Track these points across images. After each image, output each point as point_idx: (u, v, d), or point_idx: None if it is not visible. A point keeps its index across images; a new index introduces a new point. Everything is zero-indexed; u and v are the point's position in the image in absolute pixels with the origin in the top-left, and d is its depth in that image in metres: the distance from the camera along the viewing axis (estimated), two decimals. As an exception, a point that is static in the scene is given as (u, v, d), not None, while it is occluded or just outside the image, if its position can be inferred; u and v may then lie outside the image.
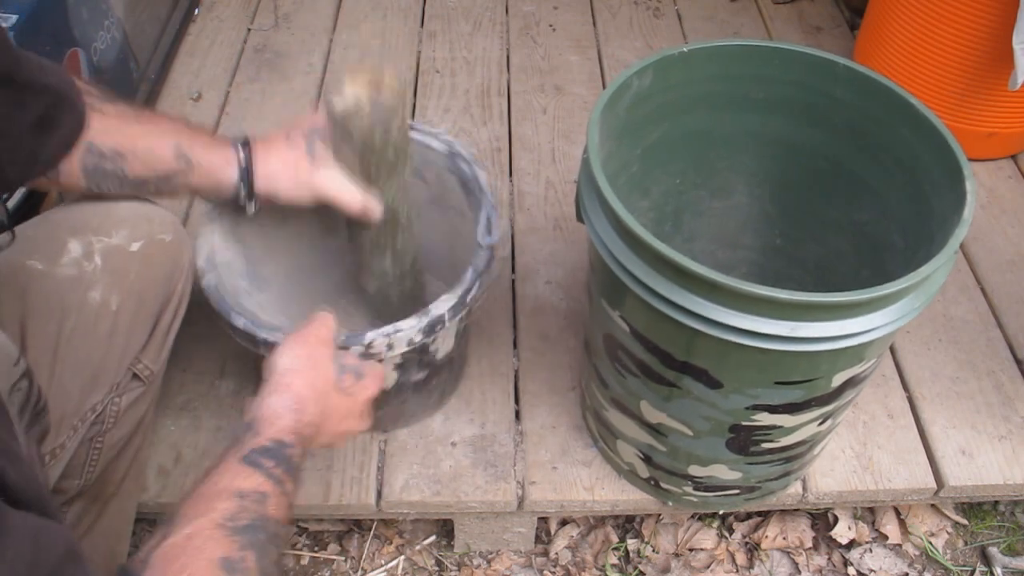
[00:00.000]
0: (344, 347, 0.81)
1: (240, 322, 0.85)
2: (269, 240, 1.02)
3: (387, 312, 1.04)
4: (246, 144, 0.84)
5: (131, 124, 0.79)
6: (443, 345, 0.95)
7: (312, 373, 0.72)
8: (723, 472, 0.93)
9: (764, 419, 0.82)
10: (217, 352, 1.15)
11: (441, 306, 0.86)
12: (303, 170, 0.84)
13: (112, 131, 0.77)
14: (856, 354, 0.76)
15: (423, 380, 0.98)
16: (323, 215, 0.98)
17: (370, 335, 0.83)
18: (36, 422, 0.72)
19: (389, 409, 1.01)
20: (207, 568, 0.52)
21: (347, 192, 0.86)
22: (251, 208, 0.86)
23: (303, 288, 1.09)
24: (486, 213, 0.92)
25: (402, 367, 0.93)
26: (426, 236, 1.03)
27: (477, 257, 0.90)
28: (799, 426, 0.85)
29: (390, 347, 0.84)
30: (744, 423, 0.83)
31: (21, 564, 0.42)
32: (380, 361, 0.85)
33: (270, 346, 0.81)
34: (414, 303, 0.98)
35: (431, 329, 0.86)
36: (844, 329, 0.69)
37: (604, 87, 1.61)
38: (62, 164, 0.75)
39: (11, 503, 0.43)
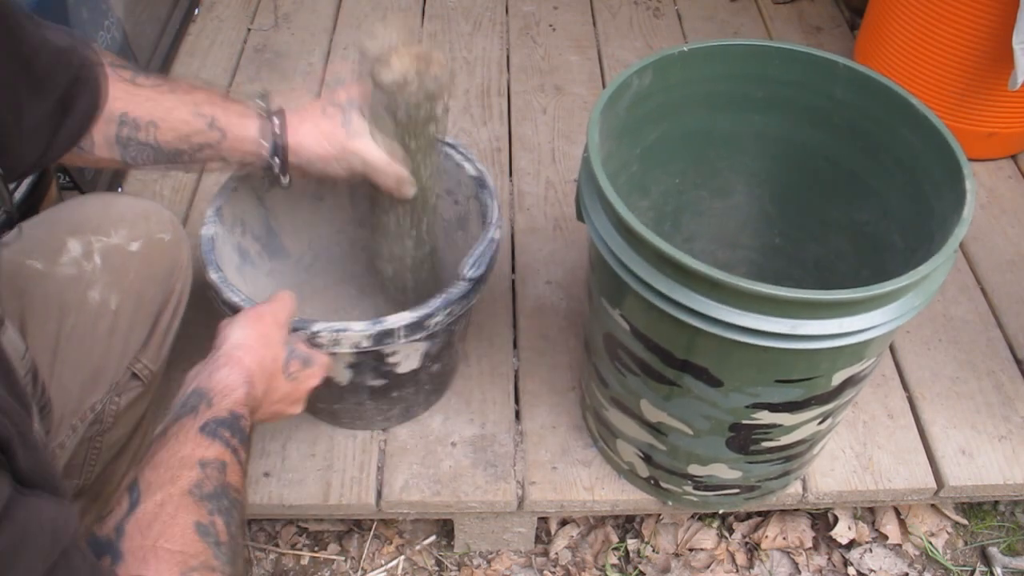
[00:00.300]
0: (293, 330, 0.81)
1: (213, 276, 0.86)
2: (297, 213, 1.02)
3: (399, 300, 1.04)
4: (280, 114, 0.82)
5: (165, 95, 0.78)
6: (405, 360, 0.94)
7: (262, 352, 0.72)
8: (723, 471, 0.93)
9: (764, 418, 0.83)
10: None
11: (396, 320, 0.85)
12: (338, 141, 0.83)
13: (146, 102, 0.77)
14: (856, 352, 0.76)
15: (381, 388, 0.97)
16: (357, 202, 0.98)
17: (319, 326, 0.83)
18: (41, 418, 0.72)
19: (345, 406, 1.02)
20: (183, 533, 0.54)
21: (384, 163, 0.84)
22: (284, 180, 0.85)
23: (321, 267, 1.10)
24: (482, 248, 0.91)
25: (356, 368, 0.92)
26: (451, 254, 1.03)
27: (453, 286, 0.88)
28: (799, 425, 0.85)
29: (336, 343, 0.84)
30: (744, 422, 0.83)
31: (34, 547, 0.42)
32: (332, 355, 0.85)
33: (231, 308, 0.82)
34: (427, 295, 0.99)
35: (380, 338, 0.85)
36: (844, 327, 0.69)
37: (604, 87, 1.61)
38: (96, 135, 0.75)
39: (29, 487, 0.44)
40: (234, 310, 0.86)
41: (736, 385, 0.79)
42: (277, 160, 0.82)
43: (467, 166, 1.00)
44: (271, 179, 0.85)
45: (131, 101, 0.76)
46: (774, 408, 0.81)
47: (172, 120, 0.78)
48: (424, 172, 0.88)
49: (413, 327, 0.86)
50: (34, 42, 0.67)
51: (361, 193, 1.03)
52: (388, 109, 0.81)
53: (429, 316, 0.86)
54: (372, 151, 0.84)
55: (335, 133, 0.83)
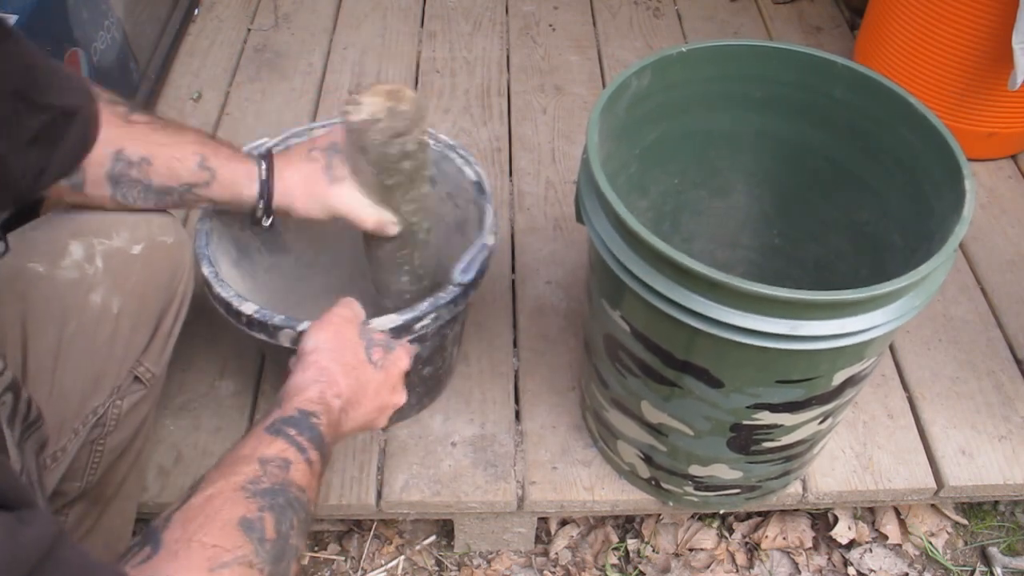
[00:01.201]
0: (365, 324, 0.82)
1: (206, 271, 0.88)
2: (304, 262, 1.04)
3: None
4: (267, 157, 0.84)
5: (158, 133, 0.79)
6: None
7: (339, 349, 0.73)
8: (724, 471, 0.93)
9: (765, 418, 0.83)
10: (217, 352, 1.15)
11: (381, 323, 0.85)
12: (319, 185, 0.84)
13: (139, 139, 0.78)
14: (856, 353, 0.76)
15: None
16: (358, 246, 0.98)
17: (302, 325, 0.83)
18: (30, 433, 0.72)
19: None
20: (224, 527, 0.54)
21: (360, 208, 0.85)
22: (266, 221, 0.86)
23: (322, 267, 1.11)
24: (473, 253, 0.91)
25: None
26: (452, 257, 1.03)
27: (443, 290, 0.88)
28: (800, 425, 0.85)
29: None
30: (745, 422, 0.83)
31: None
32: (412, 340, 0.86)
33: (222, 304, 0.85)
34: None
35: None
36: (844, 327, 0.69)
37: (604, 87, 1.61)
38: (88, 172, 0.76)
39: None
40: (224, 305, 0.87)
41: (737, 386, 0.79)
42: (263, 203, 0.84)
43: (467, 170, 1.00)
44: (253, 220, 0.86)
45: (125, 137, 0.77)
46: (775, 408, 0.81)
47: (164, 157, 0.79)
48: (406, 208, 0.88)
49: (399, 330, 0.86)
50: (35, 72, 0.67)
51: None
52: (360, 149, 0.82)
53: (416, 320, 0.86)
54: (349, 195, 0.85)
55: (317, 179, 0.84)
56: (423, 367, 0.98)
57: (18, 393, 0.70)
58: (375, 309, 1.11)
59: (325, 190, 0.84)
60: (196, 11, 1.74)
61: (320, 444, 0.65)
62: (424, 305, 0.87)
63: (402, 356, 0.80)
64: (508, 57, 1.68)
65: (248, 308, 0.86)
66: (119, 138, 0.76)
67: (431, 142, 1.01)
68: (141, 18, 1.51)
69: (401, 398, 0.80)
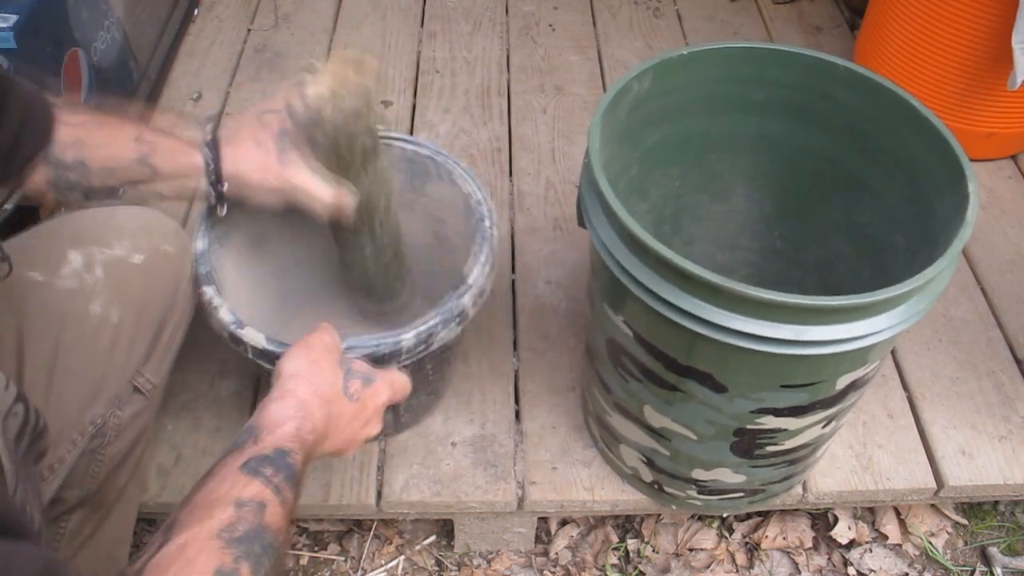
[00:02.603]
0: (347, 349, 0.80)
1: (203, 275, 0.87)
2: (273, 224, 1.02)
3: (372, 308, 1.04)
4: (213, 145, 0.81)
5: (92, 133, 0.78)
6: None
7: (317, 379, 0.71)
8: (727, 476, 0.93)
9: (769, 422, 0.82)
10: (217, 352, 1.15)
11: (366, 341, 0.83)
12: (270, 171, 0.82)
13: (73, 142, 0.76)
14: (860, 357, 0.76)
15: None
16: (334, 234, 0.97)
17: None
18: (36, 444, 0.71)
19: None
20: None
21: (317, 186, 0.83)
22: (222, 211, 0.84)
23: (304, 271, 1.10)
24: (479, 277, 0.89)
25: None
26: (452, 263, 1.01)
27: (431, 316, 0.86)
28: (804, 428, 0.85)
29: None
30: (749, 426, 0.83)
31: None
32: (403, 367, 0.84)
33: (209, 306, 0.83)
34: (398, 283, 0.98)
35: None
36: (850, 332, 0.69)
37: (604, 87, 1.61)
38: (26, 173, 0.75)
39: None
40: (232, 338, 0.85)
41: (741, 391, 0.78)
42: (213, 193, 0.82)
43: (477, 203, 0.97)
44: (208, 209, 0.85)
45: (60, 140, 0.76)
46: (779, 413, 0.81)
47: (100, 159, 0.78)
48: (364, 179, 0.86)
49: (385, 357, 0.84)
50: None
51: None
52: (316, 123, 0.79)
53: (412, 344, 0.85)
54: (304, 175, 0.82)
55: (268, 163, 0.82)
56: (430, 374, 0.97)
57: (27, 403, 0.70)
58: (352, 306, 1.11)
59: (276, 175, 0.82)
60: (196, 11, 1.74)
61: (294, 482, 0.63)
62: (410, 334, 0.84)
63: (381, 390, 0.77)
64: (508, 57, 1.68)
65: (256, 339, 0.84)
66: (56, 142, 0.75)
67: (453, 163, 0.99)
68: (141, 18, 1.51)
69: (373, 430, 0.77)
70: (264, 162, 0.82)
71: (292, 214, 0.89)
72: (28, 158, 0.74)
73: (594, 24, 1.77)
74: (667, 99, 0.89)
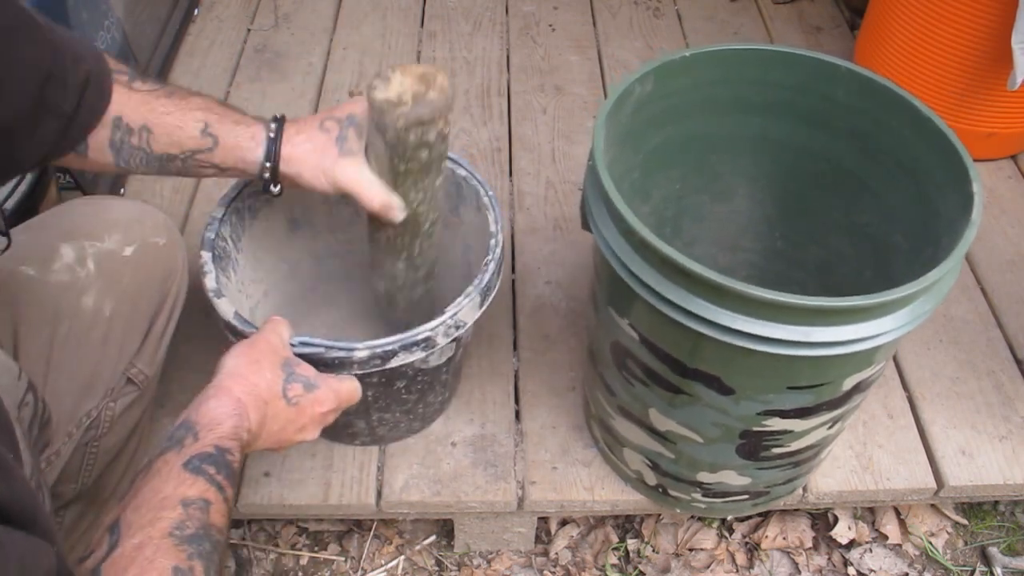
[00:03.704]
0: (299, 354, 0.79)
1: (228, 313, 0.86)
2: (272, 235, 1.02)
3: (391, 316, 1.03)
4: (279, 122, 0.81)
5: (160, 100, 0.77)
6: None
7: (254, 379, 0.71)
8: (732, 478, 0.93)
9: (775, 424, 0.82)
10: (217, 352, 1.14)
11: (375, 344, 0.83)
12: (328, 157, 0.80)
13: (140, 106, 0.76)
14: (867, 358, 0.76)
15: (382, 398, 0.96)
16: (336, 227, 0.96)
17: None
18: (42, 434, 0.72)
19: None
20: None
21: (368, 186, 0.81)
22: (275, 189, 0.83)
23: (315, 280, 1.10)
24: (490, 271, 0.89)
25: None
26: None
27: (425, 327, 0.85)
28: (810, 430, 0.85)
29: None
30: (755, 429, 0.83)
31: None
32: (359, 376, 0.83)
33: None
34: (420, 315, 0.94)
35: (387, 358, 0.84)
36: (857, 333, 0.69)
37: (604, 87, 1.61)
38: (90, 139, 0.74)
39: (2, 520, 0.43)
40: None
41: (748, 393, 0.78)
42: (268, 168, 0.81)
43: (491, 221, 0.96)
44: (263, 187, 0.84)
45: (126, 105, 0.75)
46: (785, 414, 0.81)
47: (165, 125, 0.77)
48: (416, 196, 0.84)
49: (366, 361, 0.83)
50: (55, 46, 0.67)
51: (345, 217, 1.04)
52: (378, 128, 0.78)
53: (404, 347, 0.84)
54: (358, 171, 0.81)
55: (328, 148, 0.81)
56: (404, 393, 0.96)
57: (36, 393, 0.70)
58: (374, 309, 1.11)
59: (333, 162, 0.80)
60: (196, 11, 1.74)
61: (233, 479, 0.63)
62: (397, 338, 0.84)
63: (323, 398, 0.76)
64: (508, 57, 1.68)
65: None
66: (120, 106, 0.75)
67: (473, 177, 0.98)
68: (141, 18, 1.51)
69: (310, 435, 0.77)
70: (324, 144, 0.81)
71: (334, 201, 0.87)
72: (90, 120, 0.73)
73: (594, 24, 1.77)
74: (669, 101, 0.88)
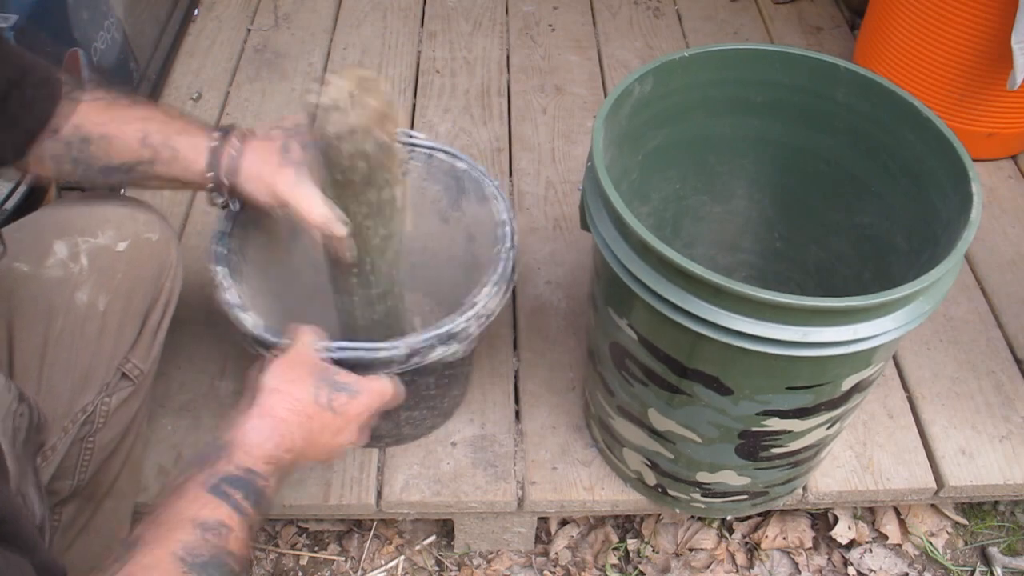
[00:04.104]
0: (335, 361, 0.78)
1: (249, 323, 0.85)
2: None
3: (353, 334, 0.98)
4: (224, 133, 0.79)
5: (100, 112, 0.77)
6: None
7: (298, 394, 0.70)
8: (731, 478, 0.93)
9: (774, 424, 0.82)
10: (217, 352, 1.15)
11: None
12: (268, 166, 0.78)
13: (80, 119, 0.76)
14: (866, 358, 0.76)
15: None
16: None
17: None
18: (35, 437, 0.72)
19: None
20: None
21: (305, 198, 0.77)
22: (218, 200, 0.82)
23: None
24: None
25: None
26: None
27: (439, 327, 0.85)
28: (808, 430, 0.85)
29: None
30: (754, 429, 0.83)
31: None
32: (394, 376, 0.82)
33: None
34: (383, 333, 0.91)
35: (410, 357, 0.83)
36: (856, 334, 0.69)
37: (604, 87, 1.61)
38: (31, 150, 0.74)
39: None
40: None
41: (747, 393, 0.78)
42: (211, 177, 0.79)
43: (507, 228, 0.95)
44: (209, 200, 0.83)
45: (65, 116, 0.75)
46: (784, 415, 0.81)
47: (104, 136, 0.77)
48: (359, 210, 0.79)
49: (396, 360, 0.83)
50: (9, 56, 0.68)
51: None
52: (313, 136, 0.73)
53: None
54: (298, 185, 0.77)
55: (269, 158, 0.79)
56: (431, 388, 0.96)
57: (27, 401, 0.70)
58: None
59: (273, 172, 0.78)
60: (196, 11, 1.74)
61: (261, 504, 0.62)
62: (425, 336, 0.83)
63: (366, 402, 0.76)
64: (508, 57, 1.68)
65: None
66: (68, 119, 0.75)
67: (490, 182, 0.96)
68: (141, 18, 1.51)
69: (361, 440, 0.76)
70: (265, 155, 0.79)
71: None
72: (32, 132, 0.73)
73: (594, 24, 1.77)
74: (667, 101, 0.88)
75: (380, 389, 0.78)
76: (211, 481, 0.60)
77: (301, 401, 0.70)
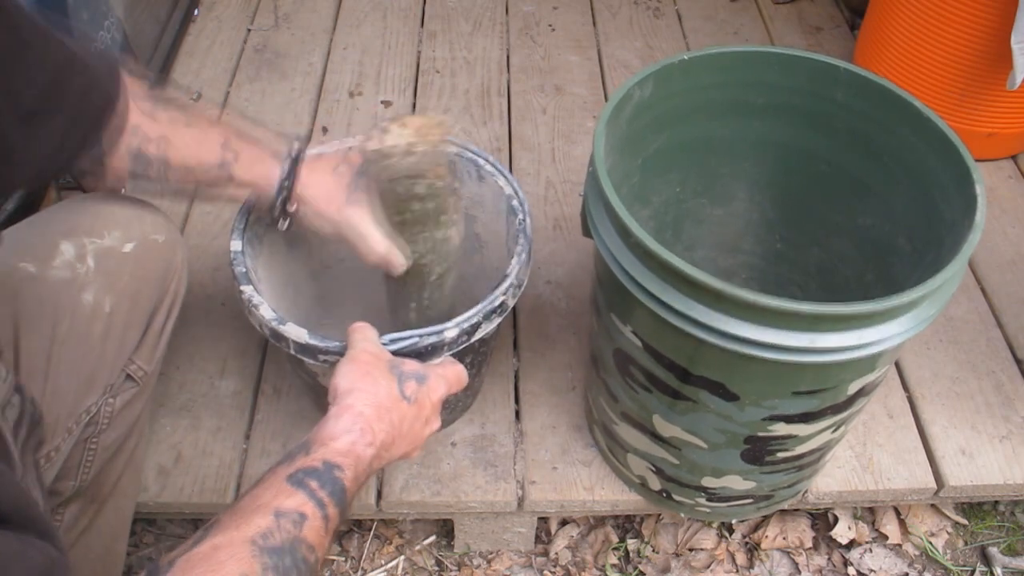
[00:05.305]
0: (396, 353, 0.79)
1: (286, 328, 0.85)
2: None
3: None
4: (295, 160, 0.83)
5: (180, 132, 0.79)
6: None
7: (373, 388, 0.71)
8: (737, 483, 0.92)
9: (780, 429, 0.82)
10: (217, 352, 1.15)
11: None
12: (334, 203, 0.83)
13: (158, 138, 0.77)
14: (871, 363, 0.76)
15: None
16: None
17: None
18: (33, 432, 0.72)
19: None
20: None
21: (369, 237, 0.84)
22: (282, 225, 0.86)
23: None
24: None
25: None
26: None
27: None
28: (814, 434, 0.85)
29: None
30: (760, 434, 0.83)
31: None
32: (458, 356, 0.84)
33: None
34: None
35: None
36: (862, 339, 0.68)
37: (604, 87, 1.61)
38: (109, 163, 0.75)
39: None
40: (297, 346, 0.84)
41: (753, 399, 0.78)
42: (279, 206, 0.84)
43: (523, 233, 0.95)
44: (270, 220, 0.86)
45: (147, 135, 0.77)
46: (790, 419, 0.81)
47: (183, 158, 0.79)
48: (418, 248, 0.85)
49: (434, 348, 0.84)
50: (73, 63, 0.68)
51: None
52: (373, 178, 0.79)
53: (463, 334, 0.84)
54: (360, 221, 0.83)
55: (336, 194, 0.83)
56: (469, 368, 0.96)
57: (23, 393, 0.70)
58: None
59: (339, 208, 0.83)
60: (196, 11, 1.74)
61: (341, 498, 0.62)
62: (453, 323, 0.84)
63: (436, 387, 0.77)
64: (508, 57, 1.68)
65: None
66: (140, 137, 0.76)
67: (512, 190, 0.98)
68: (141, 18, 1.51)
69: (434, 426, 0.77)
70: (333, 189, 0.84)
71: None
72: (77, 149, 0.73)
73: (594, 24, 1.77)
74: (668, 104, 0.88)
75: (445, 372, 0.79)
76: (290, 472, 0.61)
77: (377, 395, 0.71)
